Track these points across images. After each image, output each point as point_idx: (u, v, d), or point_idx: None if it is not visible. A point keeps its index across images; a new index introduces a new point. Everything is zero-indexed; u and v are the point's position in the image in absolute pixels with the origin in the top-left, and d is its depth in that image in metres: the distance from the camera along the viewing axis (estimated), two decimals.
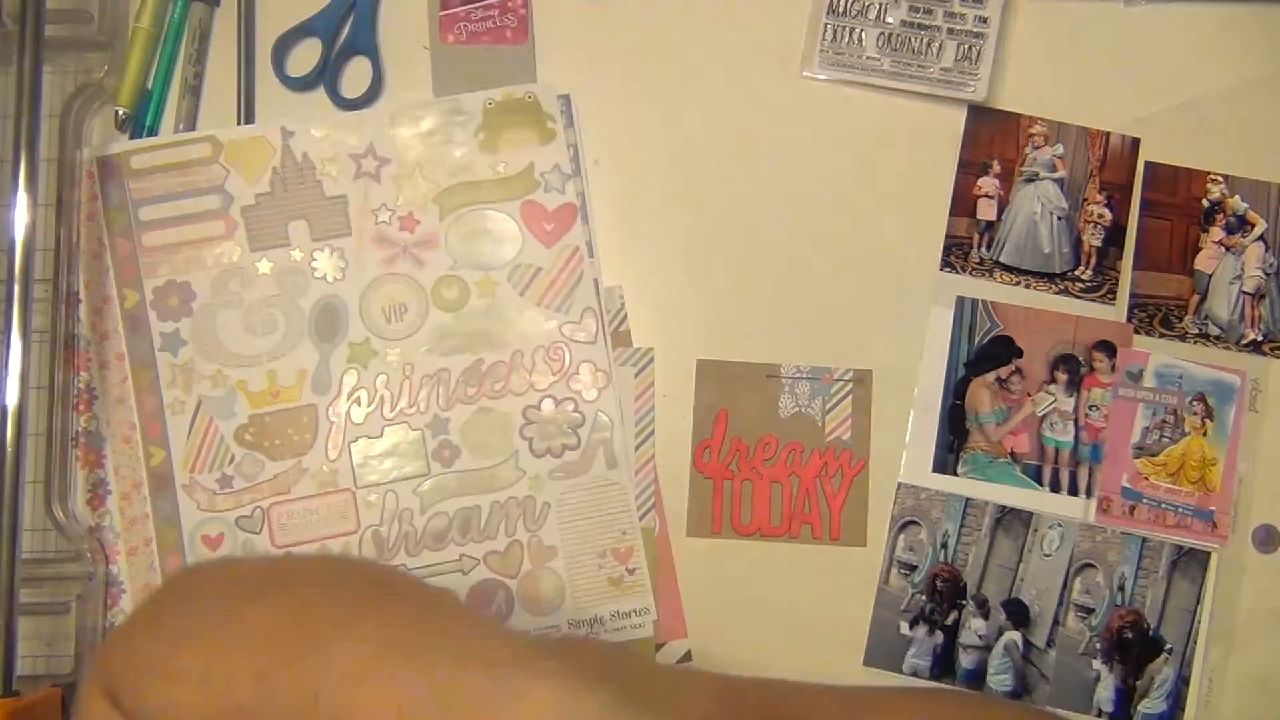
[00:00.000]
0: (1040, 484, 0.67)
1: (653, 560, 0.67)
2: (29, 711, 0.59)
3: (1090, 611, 0.67)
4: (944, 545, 0.67)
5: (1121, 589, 0.67)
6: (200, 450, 0.66)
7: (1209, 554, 0.67)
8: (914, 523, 0.67)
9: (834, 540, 0.67)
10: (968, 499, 0.67)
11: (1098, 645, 0.67)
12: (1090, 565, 0.67)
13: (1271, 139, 0.69)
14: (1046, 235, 0.69)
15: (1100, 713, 0.66)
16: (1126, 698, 0.66)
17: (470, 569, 0.66)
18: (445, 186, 0.68)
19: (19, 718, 0.58)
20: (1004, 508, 0.67)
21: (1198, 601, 0.67)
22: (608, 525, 0.67)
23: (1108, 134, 0.69)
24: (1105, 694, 0.66)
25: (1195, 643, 0.67)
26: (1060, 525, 0.67)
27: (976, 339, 0.68)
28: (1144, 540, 0.67)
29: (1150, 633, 0.67)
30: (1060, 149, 0.69)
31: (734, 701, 0.46)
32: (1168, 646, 0.67)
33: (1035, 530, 0.67)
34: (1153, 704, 0.66)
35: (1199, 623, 0.67)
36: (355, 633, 0.41)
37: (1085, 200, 0.69)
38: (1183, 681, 0.67)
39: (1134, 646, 0.67)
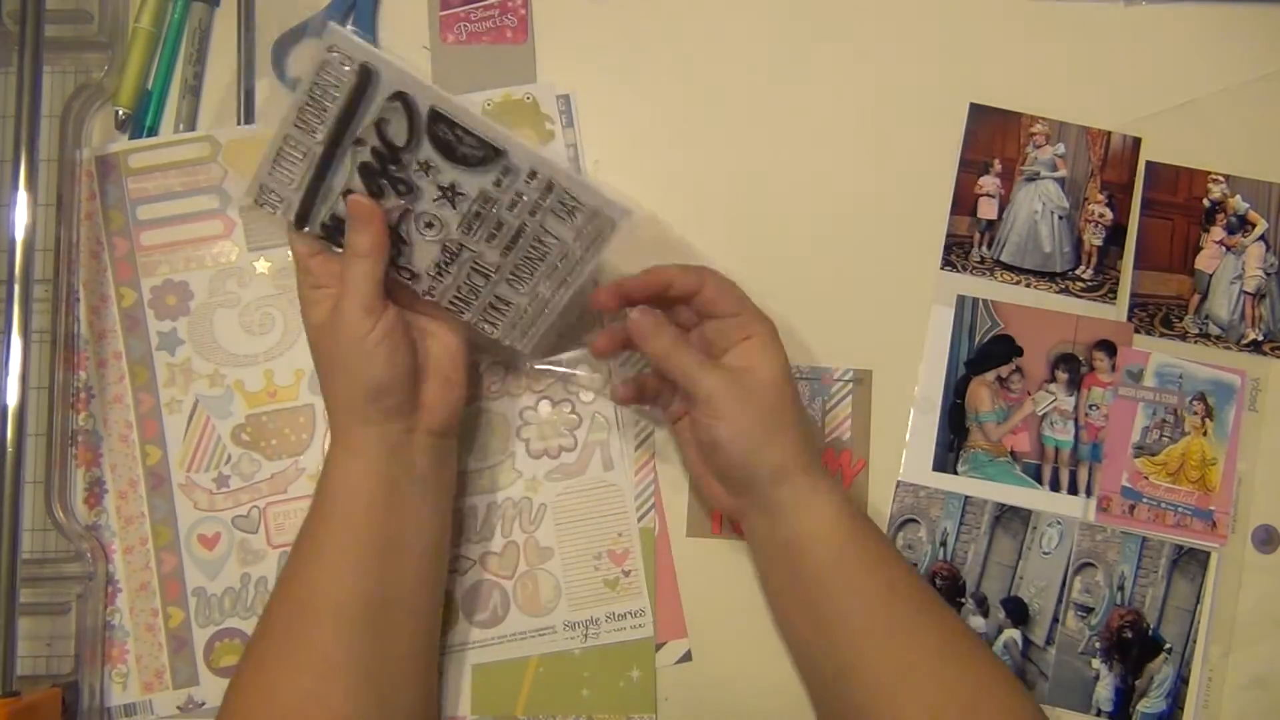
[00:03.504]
0: (1040, 483, 0.69)
1: (652, 561, 0.68)
2: (29, 711, 0.60)
3: (1090, 611, 0.68)
4: (943, 543, 0.69)
5: (1121, 588, 0.68)
6: (197, 449, 0.68)
7: (1209, 554, 0.69)
8: (913, 520, 0.69)
9: None
10: (967, 497, 0.69)
11: (1097, 644, 0.68)
12: (1090, 564, 0.68)
13: (1272, 139, 0.71)
14: (1047, 234, 0.71)
15: (1099, 712, 0.68)
16: (1126, 697, 0.68)
17: (466, 569, 0.67)
18: None
19: (19, 718, 0.59)
20: (1003, 505, 0.69)
21: (1197, 601, 0.68)
22: (604, 527, 0.68)
23: (1109, 133, 0.71)
24: (1104, 693, 0.68)
25: (1194, 642, 0.68)
26: (1059, 523, 0.69)
27: (977, 338, 0.70)
28: (1144, 540, 0.69)
29: (1150, 632, 0.68)
30: (1061, 148, 0.71)
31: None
32: (1167, 646, 0.68)
33: (1034, 528, 0.68)
34: (1152, 703, 0.68)
35: (1198, 623, 0.68)
36: None
37: (1086, 199, 0.71)
38: (1182, 681, 0.68)
39: (1133, 646, 0.68)
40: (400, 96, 0.55)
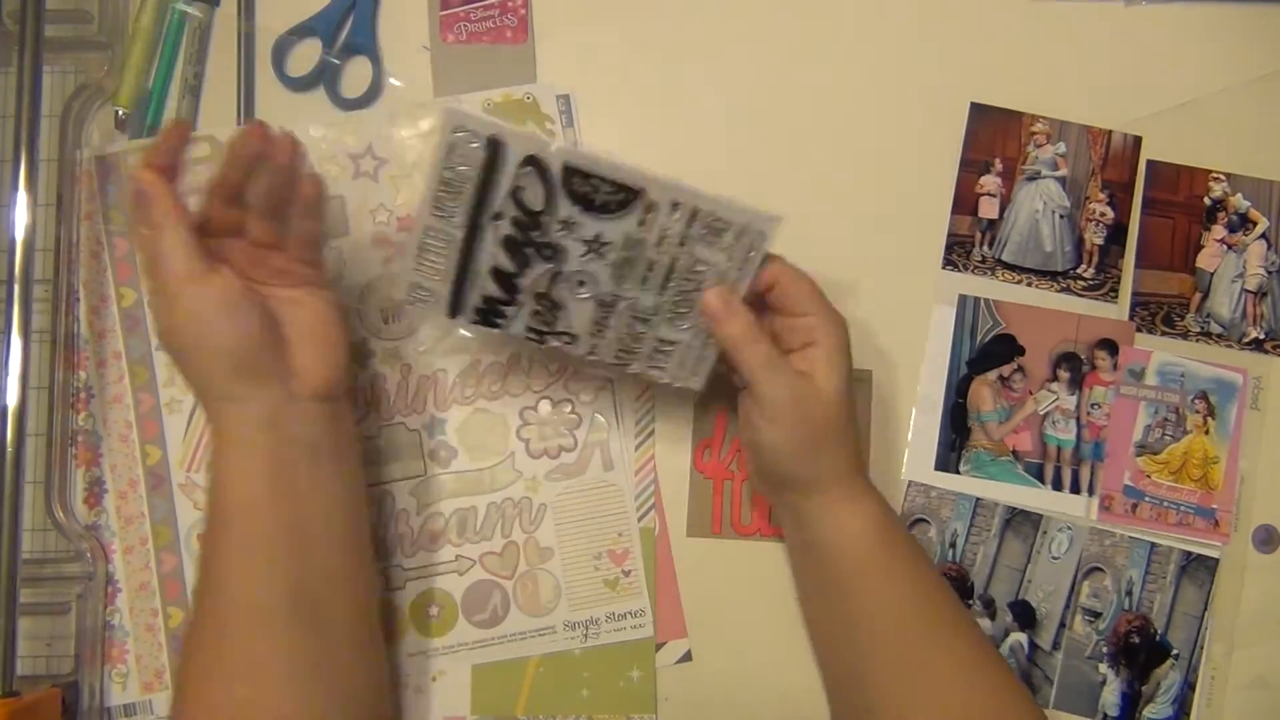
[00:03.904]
0: (1042, 482, 0.69)
1: (652, 560, 0.69)
2: (29, 711, 0.61)
3: (1098, 615, 0.69)
4: (952, 545, 0.69)
5: (1129, 593, 0.69)
6: (197, 449, 0.69)
7: (1217, 560, 0.69)
8: (923, 520, 0.69)
9: None
10: (978, 499, 0.69)
11: (1104, 649, 0.69)
12: (1098, 569, 0.69)
13: (1273, 138, 0.72)
14: (1048, 233, 0.71)
15: (1106, 717, 0.68)
16: (1132, 702, 0.68)
17: (466, 569, 0.68)
18: None
19: (19, 718, 0.60)
20: (1014, 509, 0.69)
21: (1205, 607, 0.69)
22: (604, 527, 0.69)
23: (1109, 132, 0.72)
24: (1111, 698, 0.68)
25: (1202, 649, 0.69)
26: (1069, 528, 0.69)
27: (979, 337, 0.71)
28: (1153, 545, 0.69)
29: (1157, 638, 0.69)
30: (1062, 147, 0.72)
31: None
32: (1174, 652, 0.69)
33: (1044, 532, 0.69)
34: (1158, 709, 0.68)
35: (1206, 629, 0.69)
36: None
37: (1087, 198, 0.72)
38: (1188, 687, 0.68)
39: (1141, 651, 0.69)
40: (531, 160, 0.55)
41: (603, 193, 0.56)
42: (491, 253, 0.57)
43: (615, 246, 0.57)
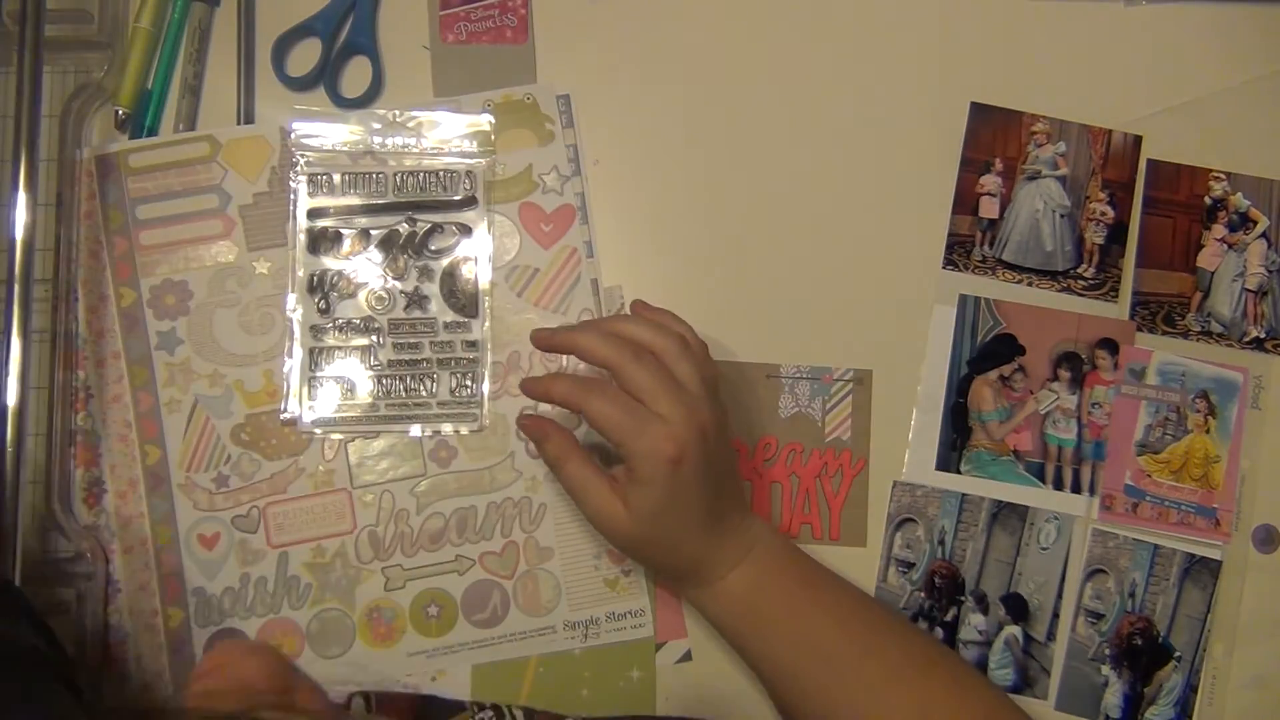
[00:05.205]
0: (1043, 482, 0.71)
1: None
2: None
3: (1100, 617, 0.70)
4: (941, 542, 0.70)
5: (1132, 595, 0.70)
6: (196, 449, 0.70)
7: (1220, 562, 0.70)
8: (910, 520, 0.71)
9: (834, 540, 0.71)
10: (964, 495, 0.71)
11: (1107, 651, 0.70)
12: (1101, 571, 0.70)
13: (1273, 137, 0.73)
14: (1049, 233, 0.73)
15: (1108, 719, 0.69)
16: (1134, 704, 0.69)
17: (466, 569, 0.69)
18: None
19: None
20: (1000, 502, 0.71)
21: (1208, 610, 0.70)
22: None
23: (1110, 131, 0.73)
24: (1113, 700, 0.69)
25: (1205, 651, 0.70)
26: (1056, 519, 0.70)
27: (979, 337, 0.72)
28: (1156, 547, 0.70)
29: (1160, 640, 0.70)
30: (1062, 146, 0.73)
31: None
32: (1177, 654, 0.70)
33: (1032, 524, 0.70)
34: (1160, 711, 0.69)
35: (1208, 630, 0.70)
36: None
37: (1087, 198, 0.73)
38: (1191, 690, 0.69)
39: (1143, 653, 0.70)
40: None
41: (460, 290, 0.70)
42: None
43: (420, 315, 0.70)
